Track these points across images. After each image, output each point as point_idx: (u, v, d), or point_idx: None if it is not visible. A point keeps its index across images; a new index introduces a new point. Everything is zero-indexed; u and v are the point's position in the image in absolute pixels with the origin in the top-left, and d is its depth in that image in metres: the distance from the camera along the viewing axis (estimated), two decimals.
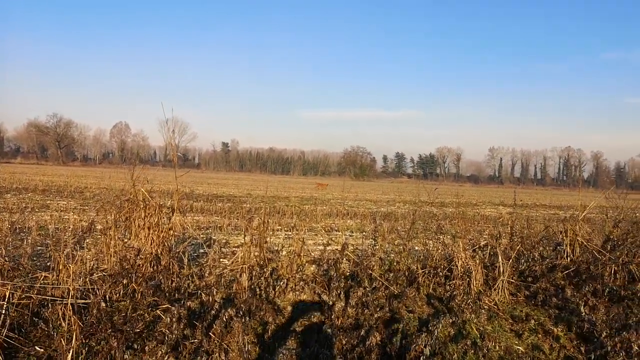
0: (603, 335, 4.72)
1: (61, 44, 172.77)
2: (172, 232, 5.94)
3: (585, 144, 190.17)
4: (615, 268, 6.03)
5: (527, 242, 7.15)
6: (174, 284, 5.25)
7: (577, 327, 5.04)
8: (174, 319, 3.93)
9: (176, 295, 5.04)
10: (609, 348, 4.43)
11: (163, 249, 5.69)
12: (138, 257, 5.41)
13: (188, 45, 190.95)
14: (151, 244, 5.72)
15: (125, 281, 4.96)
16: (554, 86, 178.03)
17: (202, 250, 7.03)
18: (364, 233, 10.72)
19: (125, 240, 6.03)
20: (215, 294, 4.52)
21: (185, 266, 5.56)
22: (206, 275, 5.28)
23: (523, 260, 6.42)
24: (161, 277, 5.19)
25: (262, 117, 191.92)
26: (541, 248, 6.94)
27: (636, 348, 4.44)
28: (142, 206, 6.00)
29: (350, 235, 10.48)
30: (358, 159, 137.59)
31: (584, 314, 5.12)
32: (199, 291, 4.93)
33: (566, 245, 6.72)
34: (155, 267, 5.48)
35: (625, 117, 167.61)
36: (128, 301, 4.74)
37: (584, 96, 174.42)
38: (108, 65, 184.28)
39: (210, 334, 4.12)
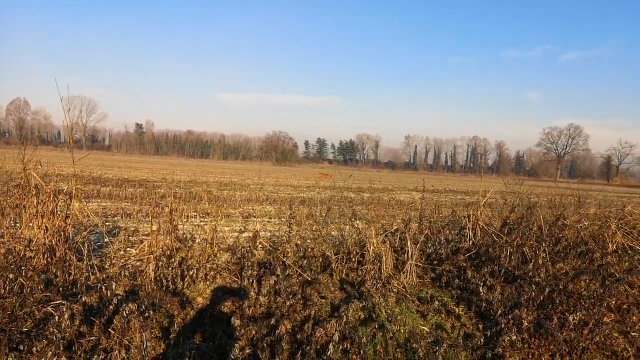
0: (498, 313, 5.09)
1: None
2: (69, 220, 5.45)
3: (490, 134, 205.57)
4: (511, 250, 6.52)
5: (435, 226, 7.54)
6: (70, 277, 4.84)
7: (476, 306, 5.39)
8: (65, 316, 3.60)
9: (73, 289, 4.65)
10: (503, 325, 4.79)
11: (59, 239, 5.20)
12: (28, 249, 4.90)
13: (98, 20, 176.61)
14: (44, 234, 5.21)
15: (11, 276, 4.47)
16: (464, 79, 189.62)
17: (107, 240, 6.56)
18: (282, 219, 10.68)
19: (17, 230, 5.45)
20: (115, 287, 4.21)
21: (84, 257, 5.13)
22: (107, 266, 4.92)
23: (430, 244, 6.75)
24: (55, 270, 4.75)
25: (180, 98, 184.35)
26: (447, 232, 7.36)
27: (526, 324, 4.85)
28: (34, 192, 5.44)
29: (269, 222, 10.38)
30: (280, 144, 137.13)
31: (482, 293, 5.49)
32: (99, 284, 4.57)
33: (469, 229, 7.16)
34: (48, 260, 5.00)
35: (525, 110, 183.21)
36: (15, 298, 4.27)
37: (489, 89, 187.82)
38: (3, 34, 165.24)
39: (109, 330, 3.84)
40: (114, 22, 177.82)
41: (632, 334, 5.22)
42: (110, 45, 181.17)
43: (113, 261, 5.55)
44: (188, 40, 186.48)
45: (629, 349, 4.93)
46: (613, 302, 5.67)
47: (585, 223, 8.22)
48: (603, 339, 4.88)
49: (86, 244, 5.33)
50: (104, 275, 4.91)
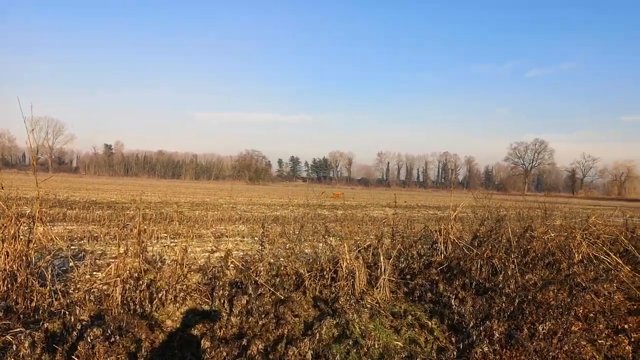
0: (470, 325, 5.14)
1: None
2: (32, 244, 5.25)
3: (461, 150, 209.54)
4: (481, 262, 6.62)
5: (407, 241, 7.60)
6: (32, 304, 4.64)
7: (449, 319, 5.43)
8: (25, 344, 3.44)
9: (35, 316, 4.46)
10: (475, 337, 4.84)
11: (20, 264, 4.99)
12: None
13: (66, 40, 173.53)
14: (5, 259, 5.00)
15: None
16: (435, 95, 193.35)
17: (72, 264, 6.33)
18: (255, 238, 10.57)
19: None
20: (79, 312, 4.06)
21: (47, 283, 4.93)
22: (72, 291, 4.74)
23: (403, 259, 6.79)
24: (16, 297, 4.55)
25: (150, 118, 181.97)
26: (419, 246, 7.42)
27: (497, 335, 4.90)
28: None
29: (241, 241, 10.26)
30: (253, 163, 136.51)
31: (454, 306, 5.53)
32: (63, 310, 4.40)
33: (440, 243, 7.24)
34: (9, 286, 4.79)
35: (494, 125, 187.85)
36: None
37: (460, 105, 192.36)
38: None
39: (73, 357, 3.69)
40: (81, 45, 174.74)
41: (599, 341, 5.35)
42: (78, 65, 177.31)
43: (78, 285, 5.36)
44: (157, 58, 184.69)
45: (597, 356, 5.05)
46: (580, 310, 5.81)
47: (552, 234, 8.43)
48: (572, 348, 4.98)
49: (50, 269, 5.14)
50: (68, 301, 4.73)
